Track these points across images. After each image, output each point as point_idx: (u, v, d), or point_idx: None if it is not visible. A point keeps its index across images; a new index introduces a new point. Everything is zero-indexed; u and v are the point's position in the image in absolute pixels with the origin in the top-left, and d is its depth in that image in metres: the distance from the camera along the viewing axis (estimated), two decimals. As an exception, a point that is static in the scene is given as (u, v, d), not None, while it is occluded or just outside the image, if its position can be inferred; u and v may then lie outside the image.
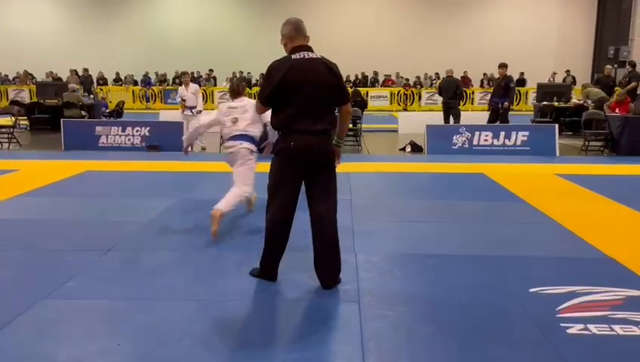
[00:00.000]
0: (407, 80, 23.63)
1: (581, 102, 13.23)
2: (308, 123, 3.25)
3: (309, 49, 3.32)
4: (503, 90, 11.25)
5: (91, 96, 17.37)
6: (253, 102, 4.76)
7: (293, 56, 3.27)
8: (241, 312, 3.24)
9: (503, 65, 11.33)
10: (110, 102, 19.21)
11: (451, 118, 12.51)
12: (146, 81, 23.79)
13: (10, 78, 23.99)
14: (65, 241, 4.58)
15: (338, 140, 3.60)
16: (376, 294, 3.47)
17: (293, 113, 3.26)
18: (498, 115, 11.20)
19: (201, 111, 10.67)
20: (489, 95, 11.96)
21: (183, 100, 10.51)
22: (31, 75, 23.45)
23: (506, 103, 11.21)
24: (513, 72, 22.69)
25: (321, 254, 3.49)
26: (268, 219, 3.48)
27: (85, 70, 22.64)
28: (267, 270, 3.63)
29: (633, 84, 13.23)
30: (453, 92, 12.62)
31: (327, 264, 3.51)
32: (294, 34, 3.33)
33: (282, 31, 3.36)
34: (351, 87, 18.48)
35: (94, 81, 23.01)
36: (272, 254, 3.57)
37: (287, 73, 3.21)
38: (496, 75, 12.38)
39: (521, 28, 24.28)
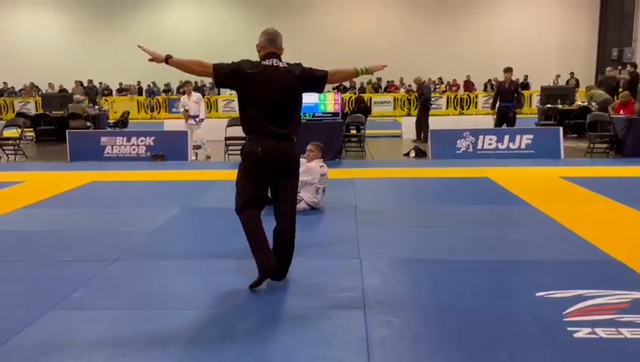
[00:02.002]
0: (410, 85, 23.63)
1: (585, 104, 13.20)
2: (272, 126, 3.51)
3: (278, 57, 3.60)
4: (513, 95, 11.23)
5: (96, 106, 17.50)
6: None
7: (264, 62, 3.56)
8: (246, 320, 3.23)
9: (509, 70, 11.27)
10: (115, 112, 19.30)
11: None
12: (149, 91, 23.90)
13: (17, 90, 24.19)
14: (70, 252, 4.60)
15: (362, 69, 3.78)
16: (382, 300, 3.47)
17: (257, 115, 3.51)
18: (506, 119, 11.17)
19: (203, 119, 10.71)
20: (491, 99, 12.00)
21: (186, 110, 10.57)
22: (36, 87, 23.65)
23: (519, 108, 11.35)
24: (517, 76, 22.74)
25: (279, 241, 3.70)
26: (243, 220, 3.61)
27: (90, 81, 22.79)
28: (266, 269, 3.60)
29: (626, 76, 13.09)
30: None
31: (284, 252, 3.70)
32: (266, 44, 3.62)
33: (259, 38, 3.65)
34: (355, 93, 18.51)
35: (99, 91, 23.15)
36: (262, 251, 3.60)
37: (256, 74, 3.48)
38: (501, 79, 12.37)
39: (524, 32, 24.26)
